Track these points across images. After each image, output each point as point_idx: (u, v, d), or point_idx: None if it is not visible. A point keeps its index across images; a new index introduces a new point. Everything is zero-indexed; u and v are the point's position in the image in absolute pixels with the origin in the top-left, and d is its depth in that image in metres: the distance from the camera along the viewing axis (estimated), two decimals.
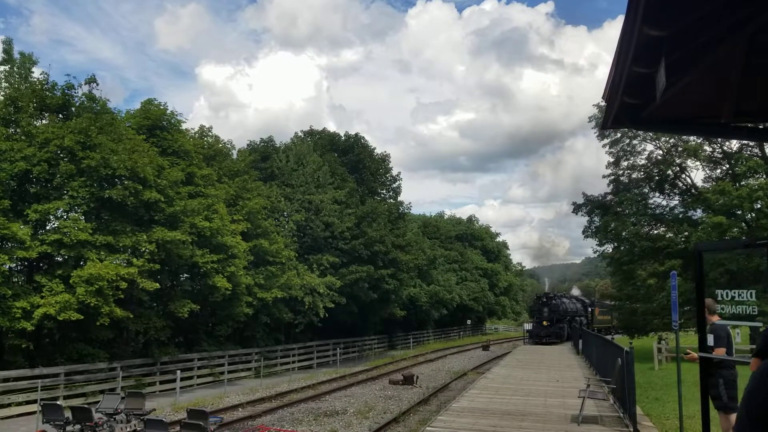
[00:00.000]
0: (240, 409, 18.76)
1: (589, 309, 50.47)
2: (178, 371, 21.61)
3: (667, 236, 35.35)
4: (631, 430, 10.11)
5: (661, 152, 36.95)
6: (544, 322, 41.15)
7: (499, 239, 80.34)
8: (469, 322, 68.28)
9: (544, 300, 42.83)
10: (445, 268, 60.65)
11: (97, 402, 14.82)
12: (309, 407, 19.27)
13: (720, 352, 7.64)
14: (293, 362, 32.35)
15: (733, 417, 8.20)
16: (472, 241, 72.31)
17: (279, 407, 19.08)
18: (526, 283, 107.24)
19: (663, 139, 36.05)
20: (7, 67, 21.54)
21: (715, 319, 7.98)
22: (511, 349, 42.76)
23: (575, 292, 64.05)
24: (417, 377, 25.28)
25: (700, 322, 6.30)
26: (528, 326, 46.21)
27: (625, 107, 4.81)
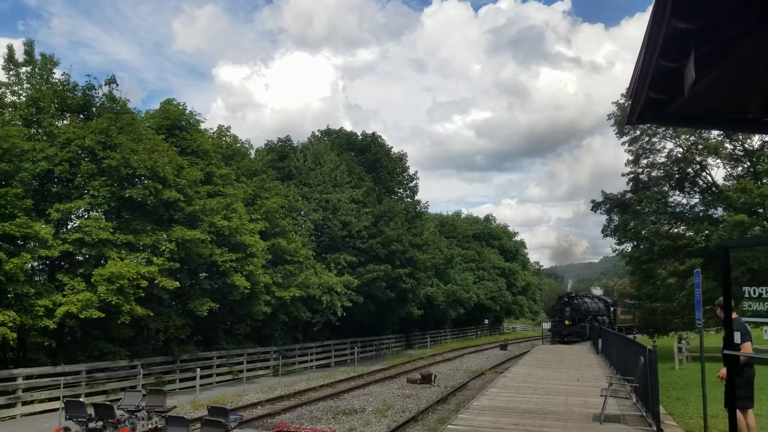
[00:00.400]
0: (259, 407, 18.84)
1: (612, 308, 50.33)
2: (198, 369, 21.76)
3: (687, 235, 34.98)
4: (655, 429, 10.00)
5: (681, 150, 36.58)
6: (566, 321, 41.45)
7: (517, 238, 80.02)
8: (486, 321, 68.06)
9: (566, 300, 43.10)
10: (462, 267, 60.50)
11: (119, 399, 14.95)
12: (327, 405, 19.31)
13: (747, 348, 7.60)
14: (311, 361, 32.45)
15: (747, 414, 8.15)
16: (490, 240, 72.08)
17: (298, 405, 19.13)
18: (544, 283, 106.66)
19: (683, 136, 35.70)
20: (28, 69, 21.79)
21: (734, 316, 7.97)
22: (529, 348, 42.59)
23: (597, 291, 63.94)
24: (435, 376, 25.23)
25: (726, 319, 6.24)
26: (546, 325, 46.58)
27: (650, 103, 4.77)
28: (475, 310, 61.38)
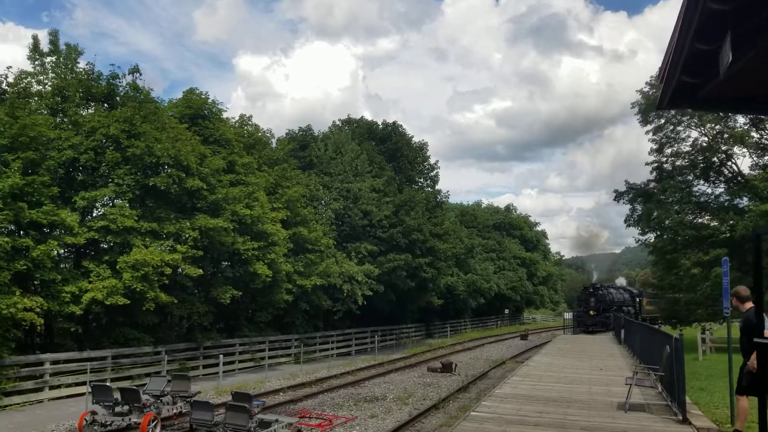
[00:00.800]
0: (281, 394, 19.00)
1: (638, 299, 50.40)
2: (221, 356, 21.99)
3: (712, 225, 34.54)
4: (681, 418, 9.93)
5: (706, 139, 36.06)
6: (591, 312, 41.83)
7: (538, 228, 79.57)
8: (506, 311, 67.90)
9: (591, 290, 43.63)
10: (482, 257, 60.35)
11: (144, 384, 15.20)
12: (349, 393, 19.43)
13: None
14: (332, 349, 32.64)
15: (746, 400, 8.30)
16: (510, 230, 71.79)
17: (319, 392, 19.27)
18: (565, 273, 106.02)
19: (708, 125, 35.19)
20: (53, 58, 22.04)
21: (749, 305, 8.41)
22: (550, 338, 42.46)
23: (621, 282, 64.17)
24: (456, 365, 25.25)
25: (758, 308, 6.18)
26: (568, 315, 47.51)
27: (682, 87, 4.71)
28: (495, 300, 61.25)
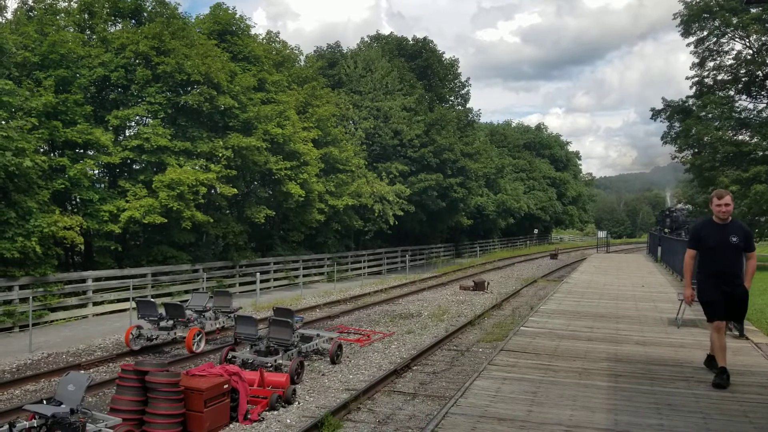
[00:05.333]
0: (317, 310, 19.29)
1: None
2: (258, 273, 22.27)
3: (753, 141, 33.51)
4: (737, 333, 9.78)
5: (750, 51, 34.55)
6: (665, 230, 43.76)
7: (570, 148, 78.21)
8: (536, 231, 67.75)
9: (667, 213, 48.21)
10: (512, 177, 59.70)
11: (184, 301, 15.44)
12: (383, 309, 19.64)
13: None
14: (363, 268, 32.93)
15: None
16: (541, 149, 70.62)
17: (354, 309, 19.50)
18: (595, 194, 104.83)
19: (753, 37, 33.61)
20: None
21: None
22: (580, 258, 42.42)
23: (670, 202, 68.28)
24: (488, 283, 25.34)
25: None
26: (601, 234, 53.34)
27: None
28: (524, 220, 60.99)
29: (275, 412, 8.74)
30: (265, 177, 25.21)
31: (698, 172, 35.38)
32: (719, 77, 36.04)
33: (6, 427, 6.91)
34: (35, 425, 7.08)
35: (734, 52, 35.11)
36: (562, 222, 76.00)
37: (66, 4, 21.04)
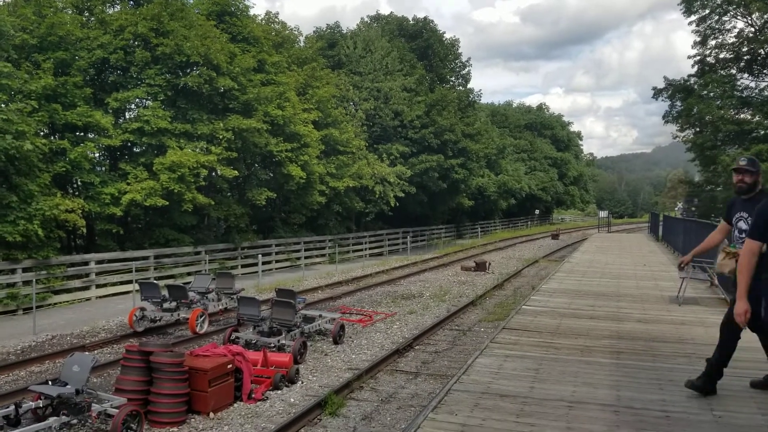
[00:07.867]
0: (319, 291, 19.33)
1: None
2: (260, 255, 22.32)
3: (755, 120, 33.40)
4: None
5: (753, 29, 34.31)
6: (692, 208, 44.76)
7: (571, 129, 77.98)
8: (537, 211, 67.76)
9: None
10: (513, 157, 59.61)
11: (187, 283, 15.49)
12: (385, 290, 19.68)
13: None
14: (365, 250, 32.99)
15: None
16: (542, 130, 70.41)
17: (356, 290, 19.55)
18: (597, 174, 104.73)
19: (755, 14, 33.37)
20: None
21: None
22: (581, 237, 42.46)
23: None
24: (489, 264, 25.37)
25: None
26: (603, 213, 52.24)
27: None
28: (525, 201, 60.98)
29: (279, 392, 8.81)
30: (265, 159, 25.16)
31: (700, 151, 35.31)
32: (721, 56, 35.88)
33: (12, 407, 6.97)
34: (41, 405, 7.15)
35: (736, 30, 34.94)
36: (564, 202, 75.98)
37: None
